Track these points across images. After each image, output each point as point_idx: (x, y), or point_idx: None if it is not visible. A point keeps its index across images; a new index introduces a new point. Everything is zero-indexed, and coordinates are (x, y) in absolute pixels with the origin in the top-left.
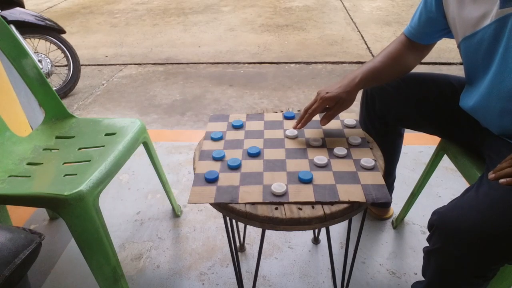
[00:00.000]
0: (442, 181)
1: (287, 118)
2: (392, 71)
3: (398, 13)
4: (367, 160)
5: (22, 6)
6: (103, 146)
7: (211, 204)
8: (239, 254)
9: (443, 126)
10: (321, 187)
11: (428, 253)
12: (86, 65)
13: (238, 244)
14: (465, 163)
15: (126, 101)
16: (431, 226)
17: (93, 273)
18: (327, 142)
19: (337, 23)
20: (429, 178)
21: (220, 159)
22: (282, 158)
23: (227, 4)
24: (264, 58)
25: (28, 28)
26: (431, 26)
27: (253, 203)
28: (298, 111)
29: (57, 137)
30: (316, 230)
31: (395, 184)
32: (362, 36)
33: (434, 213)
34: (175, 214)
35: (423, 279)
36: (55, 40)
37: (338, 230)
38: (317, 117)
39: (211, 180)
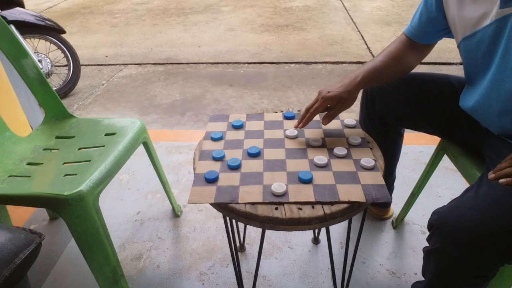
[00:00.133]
0: (442, 181)
1: (287, 118)
2: (393, 70)
3: (398, 13)
4: (367, 160)
5: (22, 6)
6: (103, 146)
7: (211, 204)
8: (239, 254)
9: (443, 126)
10: (321, 187)
11: (428, 253)
12: (86, 65)
13: (238, 244)
14: (465, 163)
15: (126, 101)
16: (431, 226)
17: (93, 273)
18: (327, 142)
19: (337, 23)
20: (429, 178)
21: (220, 159)
22: (282, 158)
23: (227, 4)
24: (264, 58)
25: (28, 28)
26: (432, 26)
27: (253, 203)
28: (298, 111)
29: (57, 137)
30: (316, 230)
31: (395, 184)
32: (362, 36)
33: (434, 213)
34: (175, 214)
35: (423, 279)
36: (55, 40)
37: (338, 230)
38: (317, 117)
39: (211, 180)
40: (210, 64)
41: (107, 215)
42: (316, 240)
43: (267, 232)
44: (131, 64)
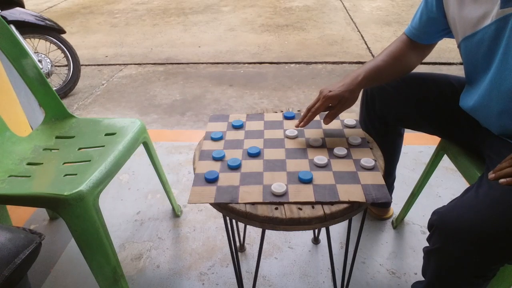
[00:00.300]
0: (442, 181)
1: (287, 118)
2: (394, 70)
3: (398, 13)
4: (367, 160)
5: (22, 6)
6: (103, 146)
7: (211, 204)
8: (239, 254)
9: (443, 126)
10: (321, 187)
11: (428, 253)
12: (86, 65)
13: (238, 244)
14: (465, 163)
15: (126, 101)
16: (431, 226)
17: (93, 273)
18: (327, 142)
19: (337, 23)
20: (429, 178)
21: (220, 159)
22: (282, 158)
23: (227, 4)
24: (264, 58)
25: (28, 28)
26: (432, 26)
27: (253, 203)
28: (298, 111)
29: (57, 137)
30: (316, 230)
31: (395, 184)
32: (362, 36)
33: (434, 213)
34: (175, 214)
35: (423, 279)
36: (55, 40)
37: (338, 230)
38: (317, 117)
39: (211, 180)
40: (210, 64)
41: (107, 215)
42: (316, 240)
43: (267, 232)
44: (131, 64)
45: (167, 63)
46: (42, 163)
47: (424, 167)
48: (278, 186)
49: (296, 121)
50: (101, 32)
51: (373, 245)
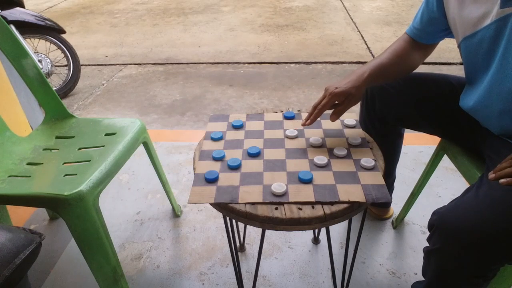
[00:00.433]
0: (442, 181)
1: (287, 118)
2: (399, 68)
3: (398, 13)
4: (367, 160)
5: (22, 6)
6: (103, 146)
7: (211, 204)
8: (239, 254)
9: (443, 126)
10: (321, 187)
11: (428, 253)
12: (86, 65)
13: (238, 244)
14: (465, 163)
15: (126, 101)
16: (431, 226)
17: (93, 273)
18: (327, 142)
19: (337, 23)
20: (429, 178)
21: (220, 159)
22: (282, 158)
23: (227, 4)
24: (264, 58)
25: (28, 28)
26: (433, 25)
27: (253, 203)
28: (298, 111)
29: (57, 137)
30: (316, 230)
31: (395, 184)
32: (362, 36)
33: (434, 213)
34: (175, 214)
35: (423, 279)
36: (55, 40)
37: (338, 230)
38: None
39: (211, 180)
40: (210, 64)
41: (107, 215)
42: (316, 240)
43: (267, 232)
44: (131, 64)
45: (167, 63)
46: (42, 163)
47: (424, 167)
48: (278, 186)
49: (296, 121)
50: (101, 32)
51: (373, 245)
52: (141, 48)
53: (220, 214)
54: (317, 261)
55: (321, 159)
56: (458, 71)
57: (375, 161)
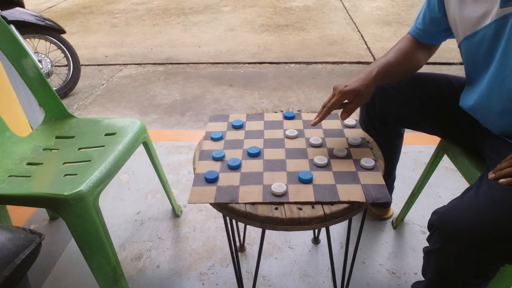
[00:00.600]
0: (442, 181)
1: (287, 118)
2: (405, 67)
3: (398, 13)
4: (367, 160)
5: (22, 6)
6: (103, 146)
7: (211, 204)
8: (239, 254)
9: (443, 126)
10: (321, 187)
11: (428, 253)
12: (86, 65)
13: (238, 244)
14: (465, 163)
15: (126, 101)
16: (431, 226)
17: (93, 273)
18: (327, 142)
19: (337, 23)
20: (429, 178)
21: (220, 159)
22: (282, 158)
23: (227, 4)
24: (264, 58)
25: (28, 28)
26: (435, 26)
27: (253, 203)
28: (298, 111)
29: (57, 137)
30: (316, 230)
31: (395, 184)
32: (362, 36)
33: (434, 213)
34: (175, 214)
35: (423, 279)
36: (55, 40)
37: (338, 230)
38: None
39: (211, 180)
40: (210, 64)
41: (107, 215)
42: (316, 240)
43: (267, 232)
44: (131, 64)
45: (167, 63)
46: (42, 163)
47: (424, 167)
48: (278, 186)
49: (296, 121)
50: (101, 32)
51: (373, 245)
52: (141, 48)
53: (220, 214)
54: (317, 261)
55: (321, 159)
56: (458, 71)
57: (375, 161)
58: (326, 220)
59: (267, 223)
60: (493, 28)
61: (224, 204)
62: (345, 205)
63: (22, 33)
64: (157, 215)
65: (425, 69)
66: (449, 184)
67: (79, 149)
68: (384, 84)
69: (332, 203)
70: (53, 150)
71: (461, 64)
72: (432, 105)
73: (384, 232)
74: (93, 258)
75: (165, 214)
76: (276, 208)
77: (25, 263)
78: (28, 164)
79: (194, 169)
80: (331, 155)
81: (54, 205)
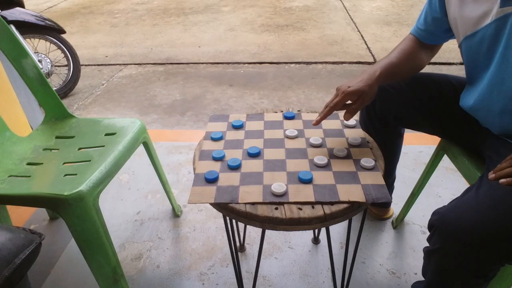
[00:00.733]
0: (442, 181)
1: (287, 118)
2: (408, 67)
3: (398, 13)
4: (367, 160)
5: (22, 6)
6: (103, 146)
7: (211, 204)
8: (239, 254)
9: (443, 126)
10: (321, 187)
11: (428, 253)
12: (86, 65)
13: (238, 244)
14: (465, 163)
15: (126, 101)
16: (431, 226)
17: (93, 273)
18: (327, 142)
19: (337, 23)
20: (429, 178)
21: (220, 159)
22: (282, 158)
23: (227, 4)
24: (264, 58)
25: (28, 28)
26: (437, 26)
27: (253, 203)
28: (298, 111)
29: (57, 137)
30: (316, 230)
31: (395, 184)
32: (362, 36)
33: (434, 213)
34: (175, 214)
35: (423, 279)
36: (55, 40)
37: (338, 230)
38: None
39: (211, 180)
40: (210, 64)
41: (107, 215)
42: (316, 240)
43: (267, 232)
44: (131, 64)
45: (167, 63)
46: (42, 163)
47: (424, 167)
48: (278, 186)
49: (296, 121)
50: (101, 32)
51: (373, 245)
52: (141, 48)
53: (220, 214)
54: (317, 261)
55: (321, 159)
56: (458, 71)
57: (375, 161)
58: (326, 220)
59: (267, 223)
60: (493, 27)
61: (224, 204)
62: (345, 205)
63: (22, 33)
64: (157, 215)
65: (425, 69)
66: (449, 184)
67: (79, 149)
68: (384, 84)
69: (332, 203)
70: (53, 150)
71: (461, 64)
72: (432, 105)
73: (384, 232)
74: (93, 258)
75: (165, 214)
76: (276, 208)
77: (25, 263)
78: (28, 164)
79: (194, 169)
80: (331, 155)
81: (54, 205)
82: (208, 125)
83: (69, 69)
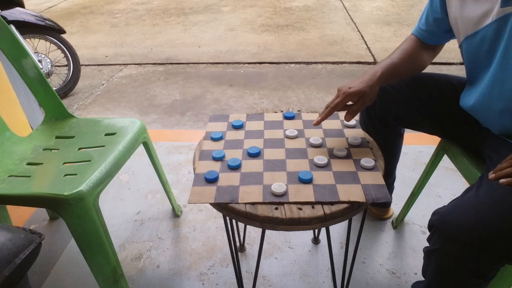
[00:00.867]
0: (442, 181)
1: (287, 118)
2: (409, 68)
3: (398, 13)
4: (367, 160)
5: (22, 6)
6: (103, 146)
7: (211, 204)
8: (239, 254)
9: (443, 126)
10: (321, 187)
11: (428, 253)
12: (86, 65)
13: (238, 244)
14: (465, 163)
15: (126, 101)
16: (431, 226)
17: (93, 273)
18: (327, 142)
19: (337, 23)
20: (429, 178)
21: (220, 159)
22: (282, 158)
23: (227, 4)
24: (264, 58)
25: (28, 28)
26: (438, 26)
27: (253, 203)
28: (298, 111)
29: (57, 137)
30: (316, 230)
31: (395, 184)
32: (362, 36)
33: (434, 213)
34: (175, 214)
35: (423, 279)
36: (55, 40)
37: (338, 230)
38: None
39: (211, 180)
40: (210, 64)
41: (107, 215)
42: (316, 240)
43: (267, 232)
44: (131, 64)
45: (167, 63)
46: (42, 163)
47: (424, 167)
48: (278, 186)
49: (296, 121)
50: (101, 32)
51: (373, 245)
52: (141, 48)
53: (220, 214)
54: (317, 261)
55: (321, 159)
56: (458, 71)
57: (375, 161)
58: (326, 220)
59: (267, 223)
60: (494, 27)
61: (224, 204)
62: (345, 205)
63: (22, 33)
64: (157, 215)
65: (425, 69)
66: (449, 184)
67: (79, 149)
68: (384, 84)
69: (332, 203)
70: (53, 150)
71: (461, 64)
72: (432, 105)
73: (384, 232)
74: (93, 258)
75: (165, 214)
76: (276, 208)
77: (25, 263)
78: (28, 164)
79: (194, 169)
80: (331, 155)
81: (54, 205)
82: (208, 125)
83: (69, 69)
